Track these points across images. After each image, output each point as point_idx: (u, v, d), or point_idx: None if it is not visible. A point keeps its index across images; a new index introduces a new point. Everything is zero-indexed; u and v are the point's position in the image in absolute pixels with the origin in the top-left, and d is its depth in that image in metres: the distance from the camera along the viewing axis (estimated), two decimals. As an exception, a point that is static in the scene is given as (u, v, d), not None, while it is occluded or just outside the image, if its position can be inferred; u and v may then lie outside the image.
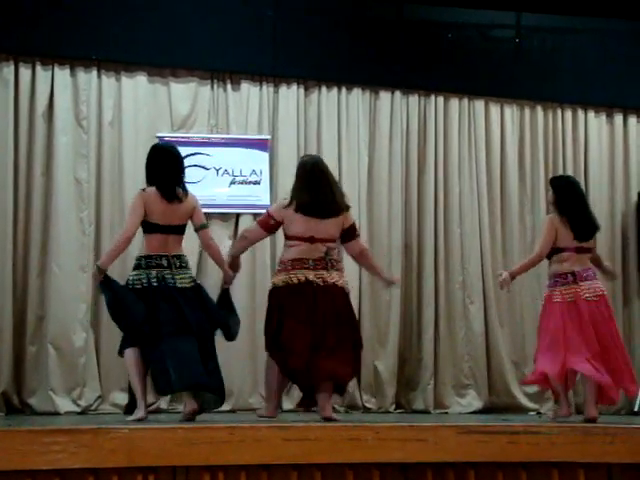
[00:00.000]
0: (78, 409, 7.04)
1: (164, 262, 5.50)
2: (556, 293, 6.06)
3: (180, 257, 5.58)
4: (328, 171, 5.83)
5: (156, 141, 7.23)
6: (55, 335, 7.08)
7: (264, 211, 7.47)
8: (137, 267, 5.52)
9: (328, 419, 5.46)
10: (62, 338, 7.08)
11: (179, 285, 5.51)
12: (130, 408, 5.60)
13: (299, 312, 5.58)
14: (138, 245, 5.80)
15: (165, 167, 5.57)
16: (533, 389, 7.98)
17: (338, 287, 5.69)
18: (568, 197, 6.10)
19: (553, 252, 6.11)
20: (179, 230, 5.61)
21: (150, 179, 5.59)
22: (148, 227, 5.55)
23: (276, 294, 5.70)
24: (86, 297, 7.18)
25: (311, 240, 5.66)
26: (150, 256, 5.50)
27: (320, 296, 5.62)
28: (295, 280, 5.62)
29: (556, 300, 6.06)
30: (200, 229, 5.73)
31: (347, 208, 5.81)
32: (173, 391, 5.57)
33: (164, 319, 5.40)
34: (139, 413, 5.37)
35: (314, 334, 5.54)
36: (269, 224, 5.81)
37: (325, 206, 5.67)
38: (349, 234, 5.84)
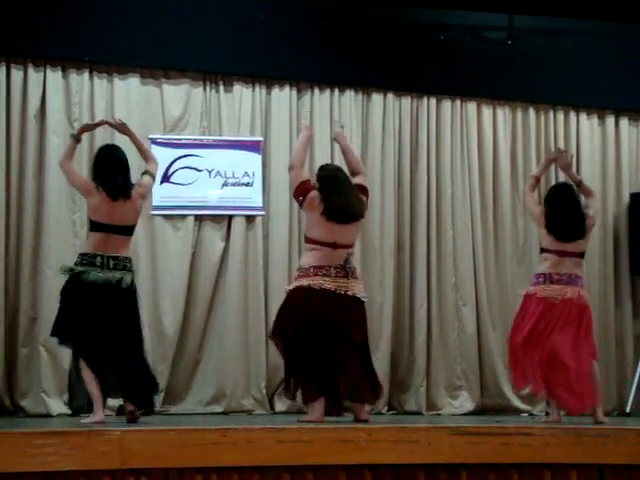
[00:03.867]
0: (70, 411, 7.02)
1: (97, 261, 5.51)
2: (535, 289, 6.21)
3: (117, 258, 5.56)
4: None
5: (148, 143, 7.24)
6: (47, 337, 6.98)
7: (256, 213, 7.60)
8: (75, 263, 5.58)
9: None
10: (54, 340, 7.05)
11: (100, 282, 5.48)
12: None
13: (316, 321, 5.61)
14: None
15: (108, 167, 5.59)
16: (525, 390, 7.98)
17: (357, 299, 5.76)
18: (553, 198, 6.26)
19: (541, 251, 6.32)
20: (124, 231, 5.61)
21: (95, 179, 5.62)
22: (92, 225, 5.62)
23: (296, 296, 5.71)
24: (78, 299, 7.17)
25: (334, 246, 5.70)
26: (87, 254, 5.55)
27: (339, 307, 5.66)
28: (316, 287, 5.64)
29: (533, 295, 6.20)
30: (145, 174, 5.79)
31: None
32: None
33: (77, 319, 5.46)
34: (97, 416, 5.39)
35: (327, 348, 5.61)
36: (309, 184, 5.84)
37: (349, 211, 5.72)
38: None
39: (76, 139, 5.79)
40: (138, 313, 5.73)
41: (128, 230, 5.64)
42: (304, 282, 5.67)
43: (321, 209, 5.68)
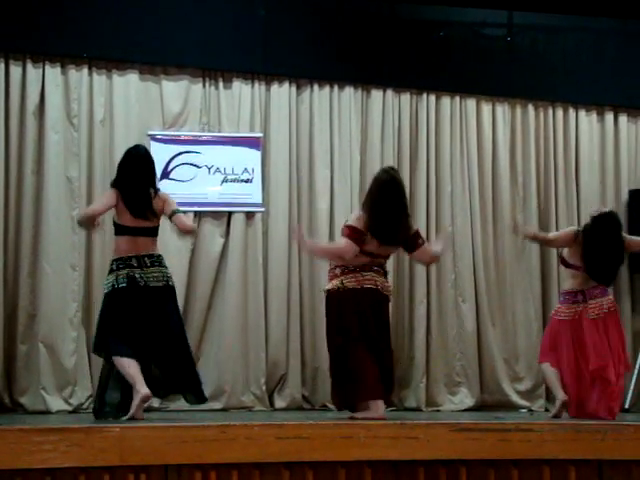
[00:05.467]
0: (70, 408, 7.04)
1: (134, 262, 5.53)
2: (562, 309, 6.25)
3: (151, 256, 5.58)
4: (402, 189, 5.72)
5: (147, 140, 7.26)
6: (46, 334, 7.07)
7: (256, 209, 7.60)
8: (110, 271, 5.59)
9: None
10: (53, 337, 7.07)
11: (150, 285, 5.52)
12: (122, 407, 5.55)
13: (369, 322, 5.59)
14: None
15: (135, 178, 5.56)
16: (524, 386, 8.00)
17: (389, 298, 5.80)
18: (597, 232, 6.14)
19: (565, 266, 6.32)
20: (150, 232, 5.62)
21: (119, 185, 5.58)
22: (118, 229, 5.60)
23: (345, 297, 5.60)
24: (77, 296, 7.17)
25: (373, 255, 5.65)
26: (120, 258, 5.55)
27: (380, 307, 5.67)
28: (367, 284, 5.59)
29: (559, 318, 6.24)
30: (173, 215, 5.66)
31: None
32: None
33: (128, 323, 5.44)
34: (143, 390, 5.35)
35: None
36: (360, 237, 5.58)
37: (396, 234, 5.62)
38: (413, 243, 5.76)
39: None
40: (178, 309, 5.80)
41: (152, 231, 5.64)
42: (353, 279, 5.59)
43: (366, 224, 5.54)
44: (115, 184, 5.62)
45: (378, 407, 5.53)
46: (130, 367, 5.39)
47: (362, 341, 5.55)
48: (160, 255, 5.67)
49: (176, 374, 5.57)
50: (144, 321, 5.47)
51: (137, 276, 5.50)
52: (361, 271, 5.61)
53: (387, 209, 5.55)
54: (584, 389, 6.10)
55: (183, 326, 5.77)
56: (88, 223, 5.66)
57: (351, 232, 5.55)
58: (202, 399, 5.78)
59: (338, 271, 5.67)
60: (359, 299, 5.58)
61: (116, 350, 5.46)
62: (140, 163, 5.63)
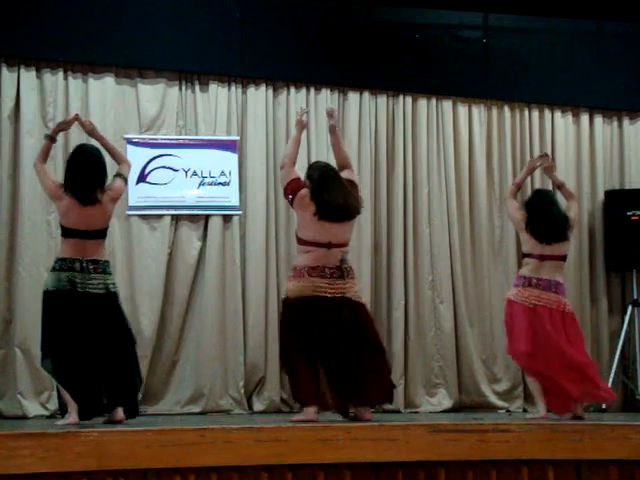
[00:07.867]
0: (47, 413, 6.99)
1: (77, 266, 5.46)
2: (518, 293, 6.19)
3: (96, 262, 5.51)
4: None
5: (124, 143, 7.24)
6: (23, 339, 7.02)
7: (233, 212, 7.59)
8: (52, 269, 5.52)
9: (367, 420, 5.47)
10: (30, 341, 7.01)
11: (89, 290, 5.45)
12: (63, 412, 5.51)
13: (314, 329, 5.51)
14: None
15: (80, 171, 5.51)
16: (503, 387, 8.03)
17: (355, 301, 5.65)
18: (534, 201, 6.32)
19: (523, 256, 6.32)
20: (98, 235, 5.56)
21: (66, 182, 5.53)
22: (65, 231, 5.55)
23: (292, 307, 5.60)
24: (54, 300, 7.12)
25: (328, 246, 5.59)
26: (64, 259, 5.49)
27: (339, 310, 5.57)
28: (311, 295, 5.53)
29: (516, 300, 6.17)
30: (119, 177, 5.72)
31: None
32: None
33: (67, 327, 5.36)
34: (71, 417, 5.29)
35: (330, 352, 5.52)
36: (299, 182, 5.71)
37: (344, 209, 5.63)
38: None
39: (51, 139, 5.74)
40: (124, 314, 5.70)
41: (100, 234, 5.58)
42: (299, 286, 5.55)
43: (313, 209, 5.56)
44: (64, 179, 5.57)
45: (308, 410, 5.50)
46: (67, 395, 5.33)
47: (304, 348, 5.51)
48: (106, 261, 5.59)
49: (112, 387, 5.40)
50: (82, 328, 5.38)
51: (77, 281, 5.43)
52: (309, 276, 5.54)
53: (329, 185, 5.63)
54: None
55: (126, 333, 5.59)
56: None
57: (297, 183, 5.68)
58: (132, 414, 5.51)
59: (291, 273, 5.72)
60: (303, 311, 5.54)
61: (62, 381, 5.37)
62: (85, 159, 5.56)
